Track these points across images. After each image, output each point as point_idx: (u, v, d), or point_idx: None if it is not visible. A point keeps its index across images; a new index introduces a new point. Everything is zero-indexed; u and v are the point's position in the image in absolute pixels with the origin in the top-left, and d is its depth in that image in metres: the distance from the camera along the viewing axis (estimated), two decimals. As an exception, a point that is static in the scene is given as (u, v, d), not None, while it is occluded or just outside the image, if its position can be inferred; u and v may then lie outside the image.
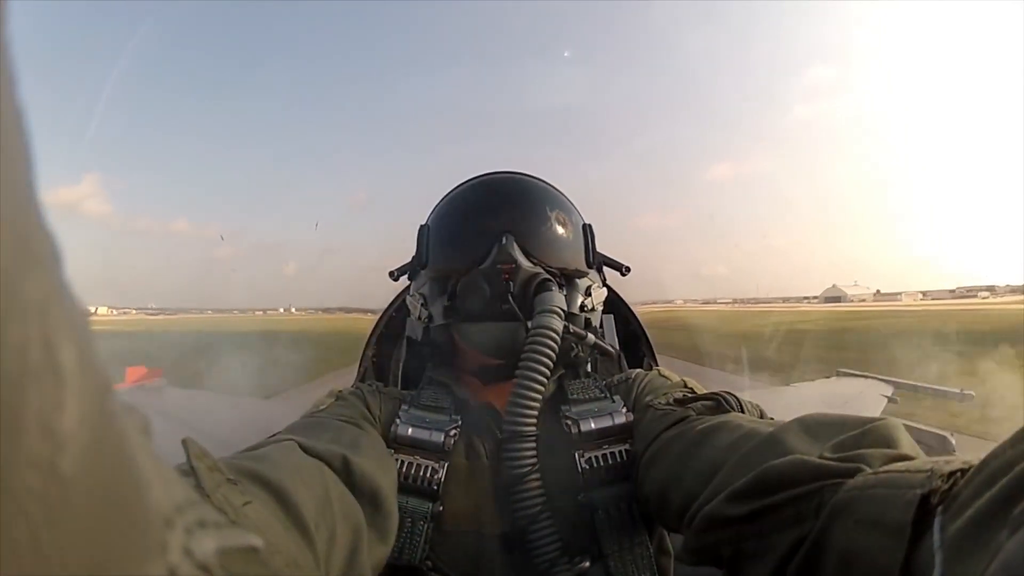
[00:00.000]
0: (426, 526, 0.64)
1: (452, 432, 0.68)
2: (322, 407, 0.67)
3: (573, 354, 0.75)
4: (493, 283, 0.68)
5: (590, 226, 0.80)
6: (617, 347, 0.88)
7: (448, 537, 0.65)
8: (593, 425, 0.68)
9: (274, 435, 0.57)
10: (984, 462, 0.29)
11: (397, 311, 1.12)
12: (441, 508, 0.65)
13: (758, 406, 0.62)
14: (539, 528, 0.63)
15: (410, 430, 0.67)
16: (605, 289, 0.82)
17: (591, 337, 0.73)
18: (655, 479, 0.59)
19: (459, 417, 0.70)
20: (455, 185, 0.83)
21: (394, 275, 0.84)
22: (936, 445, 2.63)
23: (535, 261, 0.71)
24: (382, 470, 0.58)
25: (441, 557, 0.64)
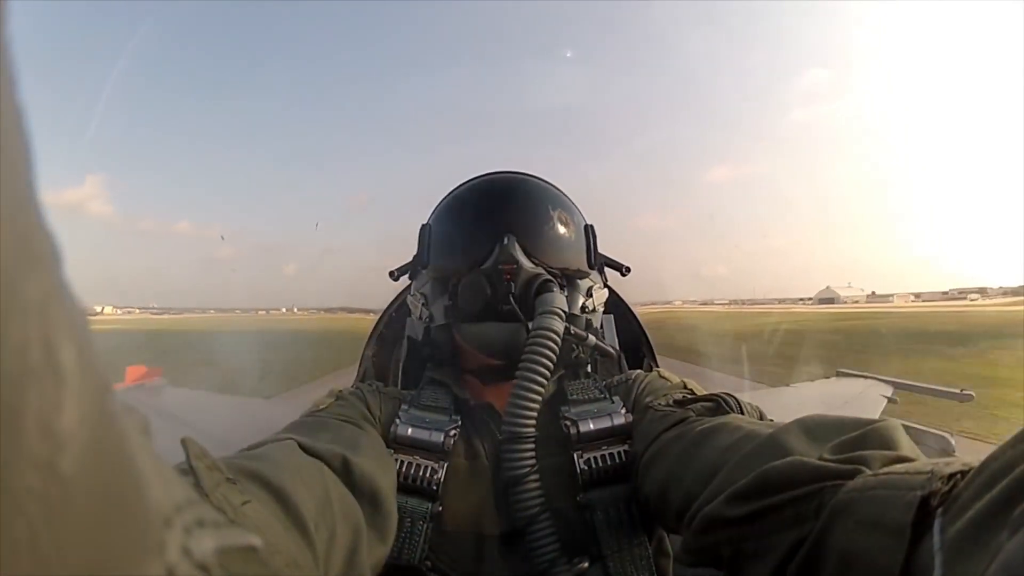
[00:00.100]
0: (426, 526, 0.64)
1: (452, 432, 0.68)
2: (322, 407, 0.67)
3: (574, 355, 0.75)
4: (494, 284, 0.68)
5: (592, 226, 0.80)
6: (617, 347, 0.88)
7: (447, 537, 0.65)
8: (592, 426, 0.68)
9: (273, 435, 0.57)
10: (984, 464, 0.29)
11: (397, 311, 1.12)
12: (440, 508, 0.65)
13: (758, 407, 0.62)
14: (538, 528, 0.63)
15: (410, 430, 0.67)
16: (606, 290, 0.82)
17: (592, 339, 0.73)
18: (654, 480, 0.59)
19: (459, 417, 0.70)
20: (456, 185, 0.83)
21: (394, 275, 0.84)
22: (936, 446, 2.63)
23: (536, 262, 0.71)
24: (382, 470, 0.58)
25: (441, 557, 0.64)
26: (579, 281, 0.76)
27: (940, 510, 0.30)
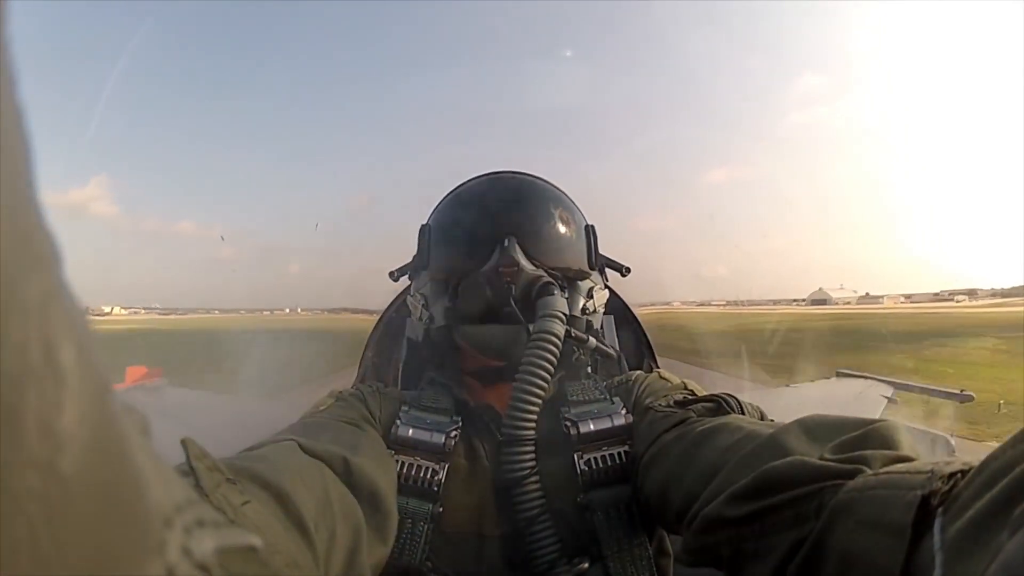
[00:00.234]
0: (426, 527, 0.64)
1: (452, 433, 0.68)
2: (322, 408, 0.67)
3: (574, 357, 0.75)
4: (495, 286, 0.68)
5: (592, 227, 0.80)
6: (617, 348, 0.88)
7: (448, 538, 0.65)
8: (592, 427, 0.68)
9: (273, 435, 0.57)
10: (984, 463, 0.29)
11: (397, 311, 1.12)
12: (441, 509, 0.65)
13: (758, 408, 0.62)
14: (538, 529, 0.63)
15: (410, 431, 0.67)
16: (607, 291, 0.82)
17: (592, 341, 0.73)
18: (655, 480, 0.59)
19: (459, 418, 0.70)
20: (456, 184, 0.83)
21: (394, 275, 0.84)
22: (936, 446, 2.63)
23: (537, 263, 0.71)
24: (382, 471, 0.58)
25: (441, 558, 0.64)
26: (580, 282, 0.76)
27: (940, 510, 0.30)
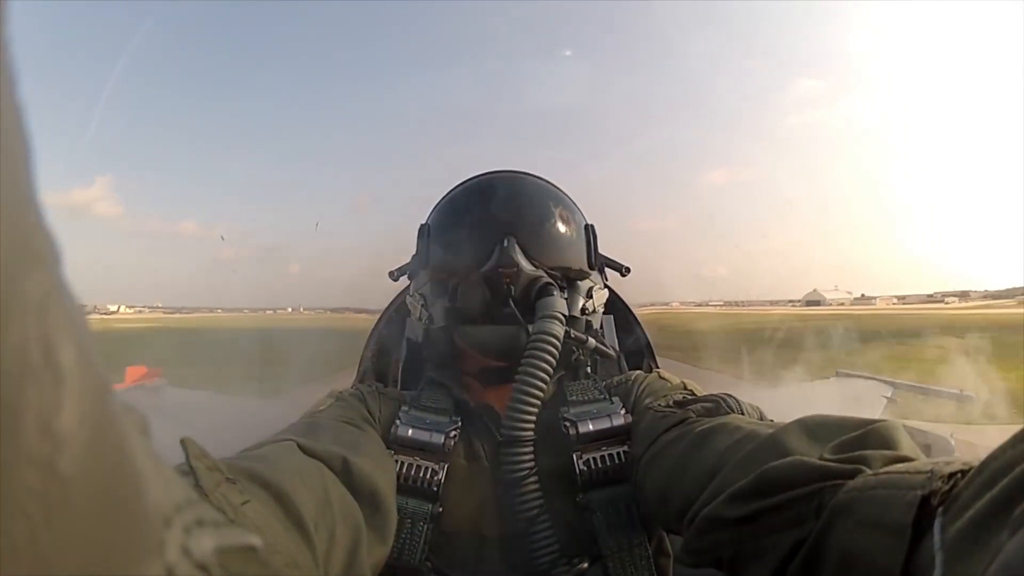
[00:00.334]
0: (426, 527, 0.64)
1: (452, 434, 0.68)
2: (322, 408, 0.67)
3: (574, 358, 0.75)
4: (494, 287, 0.68)
5: (592, 226, 0.80)
6: (617, 348, 0.88)
7: (448, 538, 0.65)
8: (591, 427, 0.68)
9: (273, 436, 0.57)
10: (984, 463, 0.29)
11: (397, 311, 1.11)
12: (441, 509, 0.65)
13: (758, 408, 0.62)
14: (538, 530, 0.63)
15: (410, 431, 0.67)
16: (606, 291, 0.82)
17: (592, 341, 0.73)
18: (655, 481, 0.59)
19: (459, 419, 0.70)
20: (455, 184, 0.82)
21: (394, 275, 0.84)
22: (936, 446, 2.63)
23: (536, 264, 0.71)
24: (381, 471, 0.58)
25: (441, 558, 0.64)
26: (579, 282, 0.75)
27: (940, 509, 0.30)
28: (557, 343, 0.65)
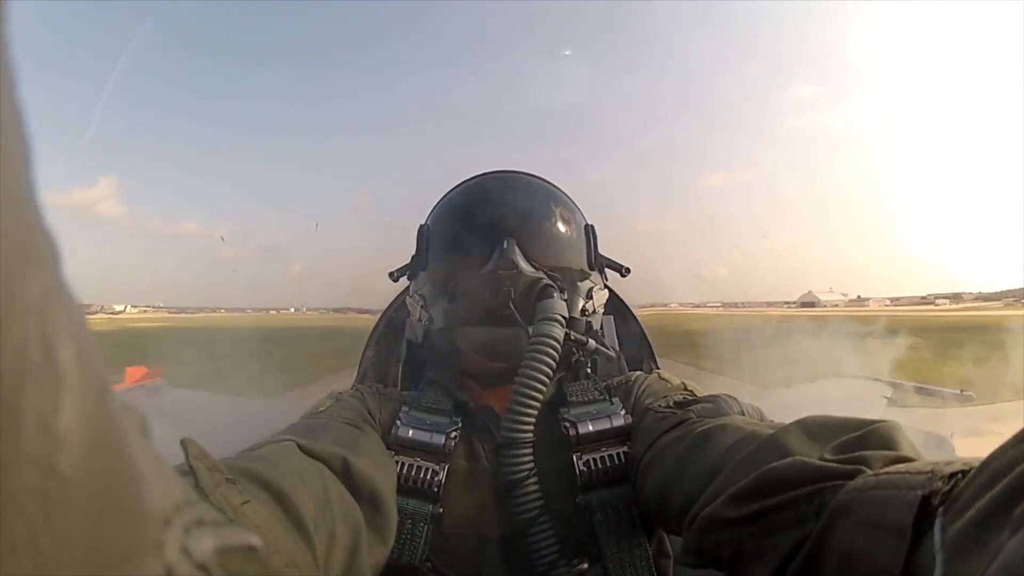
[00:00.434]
0: (426, 528, 0.64)
1: (452, 434, 0.68)
2: (322, 408, 0.67)
3: (574, 359, 0.75)
4: (494, 288, 0.68)
5: (592, 226, 0.79)
6: (617, 349, 0.87)
7: (448, 539, 0.65)
8: (591, 427, 0.67)
9: (273, 436, 0.57)
10: (985, 463, 0.29)
11: (397, 312, 1.11)
12: (441, 510, 0.65)
13: (758, 408, 0.62)
14: (538, 530, 0.63)
15: (410, 432, 0.67)
16: (606, 291, 0.82)
17: (592, 343, 0.72)
18: (655, 481, 0.59)
19: (459, 419, 0.70)
20: (455, 184, 0.82)
21: (394, 276, 0.83)
22: (936, 447, 2.63)
23: (536, 265, 0.70)
24: (381, 471, 0.58)
25: (441, 558, 0.64)
26: (579, 283, 0.75)
27: (941, 510, 0.30)
28: (557, 345, 0.65)
